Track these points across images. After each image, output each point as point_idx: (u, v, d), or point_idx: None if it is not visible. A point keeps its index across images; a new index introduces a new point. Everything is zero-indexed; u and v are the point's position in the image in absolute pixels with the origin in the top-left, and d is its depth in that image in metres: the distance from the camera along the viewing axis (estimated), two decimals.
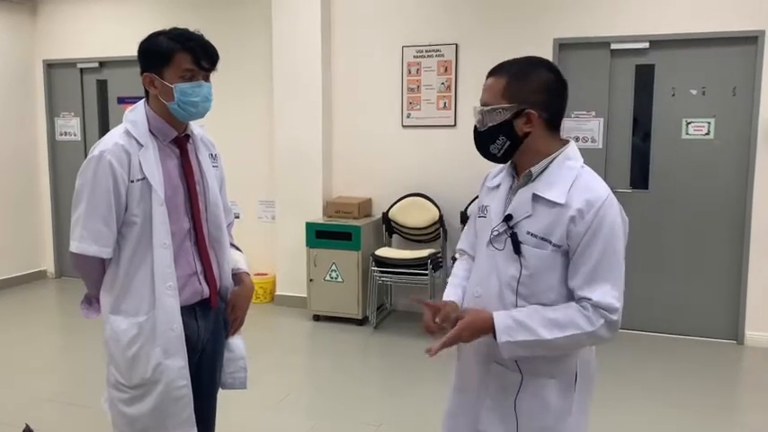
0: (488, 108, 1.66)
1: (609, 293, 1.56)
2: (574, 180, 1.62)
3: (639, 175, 4.97)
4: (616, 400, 3.78)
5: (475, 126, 1.72)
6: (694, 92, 4.76)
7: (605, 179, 5.45)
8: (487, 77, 1.70)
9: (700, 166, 4.79)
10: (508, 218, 1.66)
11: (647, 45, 4.79)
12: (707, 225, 4.81)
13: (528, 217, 1.63)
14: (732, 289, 4.78)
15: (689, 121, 4.79)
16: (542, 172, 1.66)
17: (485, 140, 1.69)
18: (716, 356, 4.54)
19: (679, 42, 4.74)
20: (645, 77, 4.88)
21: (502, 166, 1.82)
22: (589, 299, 1.56)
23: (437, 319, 1.73)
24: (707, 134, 4.76)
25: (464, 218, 5.11)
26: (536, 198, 1.63)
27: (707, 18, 4.61)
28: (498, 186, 1.78)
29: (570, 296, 1.62)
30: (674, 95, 4.81)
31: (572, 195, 1.59)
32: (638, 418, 3.58)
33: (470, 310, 1.70)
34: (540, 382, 1.67)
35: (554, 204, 1.60)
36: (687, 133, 4.81)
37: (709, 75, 4.71)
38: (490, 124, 1.66)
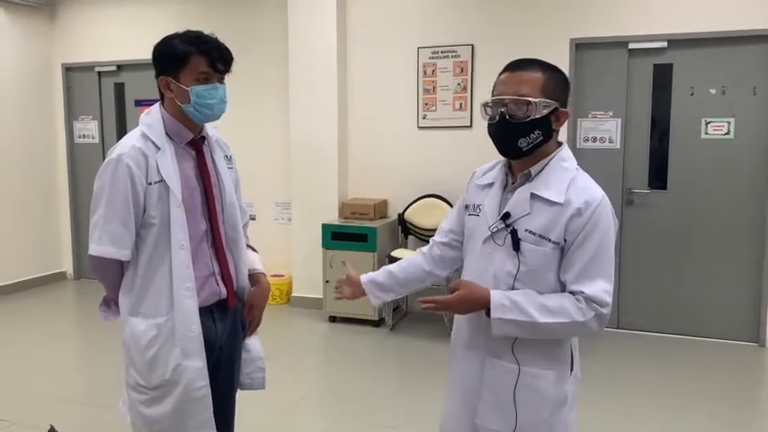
0: (535, 100, 1.64)
1: (601, 288, 1.62)
2: (570, 181, 1.68)
3: (658, 176, 4.93)
4: (637, 404, 3.75)
5: (504, 116, 1.67)
6: (713, 91, 4.71)
7: (623, 180, 5.39)
8: (515, 70, 1.68)
9: (719, 167, 4.73)
10: (506, 216, 1.70)
11: (665, 44, 4.75)
12: (727, 226, 4.75)
13: (526, 215, 1.68)
14: (753, 290, 4.72)
15: (708, 120, 4.74)
16: (539, 172, 1.71)
17: (516, 133, 1.66)
18: (737, 359, 4.47)
19: (698, 41, 4.68)
20: (663, 77, 4.83)
21: (492, 164, 1.87)
22: (582, 292, 1.62)
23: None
24: (726, 134, 4.70)
25: None
26: (534, 197, 1.68)
27: (726, 16, 4.55)
28: (491, 185, 1.81)
29: (562, 292, 1.68)
30: (692, 95, 4.76)
31: (570, 195, 1.65)
32: (659, 422, 3.54)
33: (467, 283, 1.72)
34: (537, 372, 1.71)
35: (552, 204, 1.65)
36: (706, 133, 4.75)
37: (728, 74, 4.65)
38: (532, 117, 1.64)
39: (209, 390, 2.04)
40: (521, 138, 1.66)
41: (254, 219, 5.85)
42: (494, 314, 1.65)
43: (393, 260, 5.01)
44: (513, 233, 1.68)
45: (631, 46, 4.83)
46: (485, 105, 1.74)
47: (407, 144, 5.46)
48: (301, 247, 5.65)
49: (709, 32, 4.61)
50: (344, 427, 3.55)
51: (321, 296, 5.36)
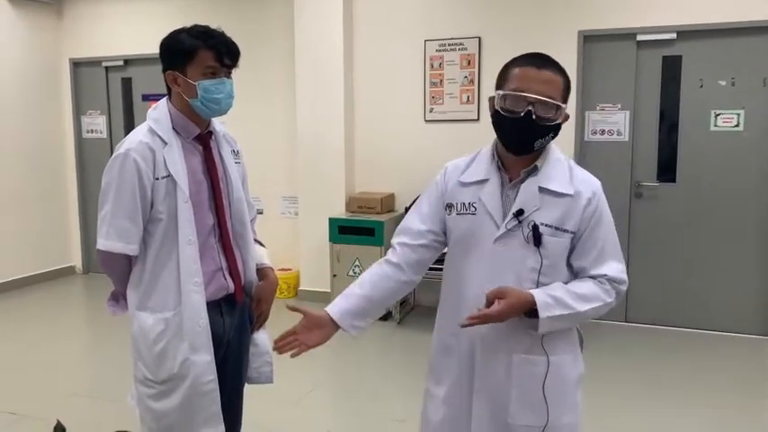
0: (564, 105, 1.68)
1: (618, 268, 1.72)
2: (569, 172, 1.73)
3: (667, 169, 4.90)
4: (646, 397, 3.74)
5: (530, 114, 1.63)
6: (723, 83, 4.67)
7: (632, 172, 5.37)
8: (540, 67, 1.65)
9: (729, 159, 4.70)
10: (520, 212, 1.69)
11: (674, 36, 4.71)
12: (736, 218, 4.72)
13: (537, 210, 1.69)
14: (762, 283, 4.69)
15: (717, 112, 4.70)
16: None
17: (537, 133, 1.66)
18: (746, 352, 4.45)
19: (707, 32, 4.64)
20: (672, 69, 4.80)
21: (468, 159, 1.85)
22: (605, 274, 1.70)
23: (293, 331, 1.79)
24: (736, 126, 4.66)
25: None
26: (542, 191, 1.70)
27: (735, 7, 4.51)
28: (483, 182, 1.76)
29: (572, 277, 1.74)
30: (702, 87, 4.72)
31: (578, 186, 1.71)
32: (668, 415, 3.53)
33: (508, 290, 1.64)
34: (561, 359, 1.75)
35: (562, 195, 1.69)
36: (716, 125, 4.72)
37: (738, 65, 4.61)
38: (556, 121, 1.67)
39: (217, 384, 2.05)
40: (539, 138, 1.67)
41: (261, 213, 5.85)
42: (543, 314, 1.64)
43: None
44: (535, 228, 1.67)
45: (640, 38, 4.79)
46: (503, 97, 1.67)
47: (414, 137, 5.45)
48: (308, 241, 5.65)
49: (719, 23, 4.57)
50: (352, 420, 3.56)
51: (329, 290, 5.37)
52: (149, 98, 6.43)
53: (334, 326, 1.83)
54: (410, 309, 5.47)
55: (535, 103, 1.63)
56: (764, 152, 4.61)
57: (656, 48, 4.81)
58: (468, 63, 5.22)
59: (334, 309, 1.83)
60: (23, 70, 6.38)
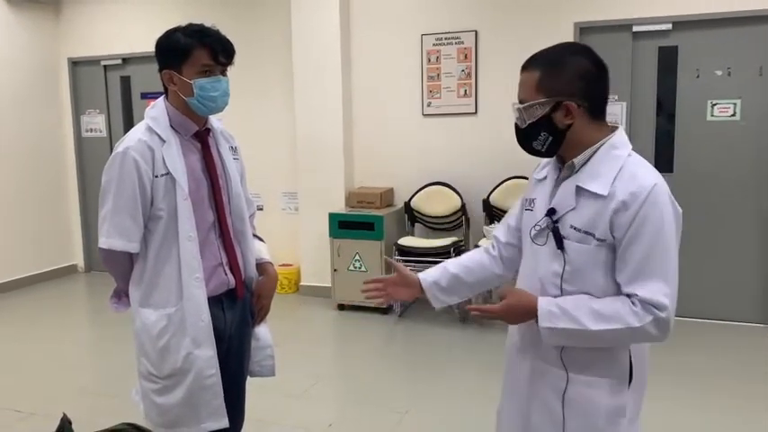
0: (525, 105, 1.58)
1: (658, 290, 1.48)
2: (619, 170, 1.53)
3: (664, 159, 4.90)
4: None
5: (516, 123, 1.64)
6: (719, 73, 4.68)
7: None
8: (521, 72, 1.62)
9: (726, 148, 4.71)
10: (551, 212, 1.60)
11: (669, 26, 4.72)
12: (734, 207, 4.74)
13: (572, 210, 1.56)
14: (761, 272, 4.72)
15: (714, 102, 4.72)
16: (586, 163, 1.58)
17: (527, 137, 1.61)
18: (746, 341, 4.48)
19: (703, 23, 4.65)
20: (668, 59, 4.81)
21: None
22: (636, 294, 1.48)
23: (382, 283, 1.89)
24: (733, 115, 4.68)
25: (486, 206, 5.10)
26: (579, 190, 1.56)
27: None
28: (545, 179, 1.70)
29: (619, 292, 1.53)
30: (698, 77, 4.73)
31: (616, 186, 1.51)
32: (668, 404, 3.55)
33: (514, 291, 1.62)
34: (589, 380, 1.59)
35: (597, 196, 1.52)
36: (712, 115, 4.73)
37: (734, 55, 4.62)
38: (530, 121, 1.58)
39: (220, 378, 2.07)
40: (533, 141, 1.60)
41: (261, 209, 5.88)
42: (541, 323, 1.54)
43: (401, 249, 5.05)
44: (555, 231, 1.57)
45: (636, 29, 4.80)
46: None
47: (413, 132, 5.47)
48: (309, 236, 5.68)
49: (714, 13, 4.58)
50: (354, 412, 3.59)
51: (329, 285, 5.40)
52: (148, 96, 6.45)
53: (420, 291, 1.88)
54: (411, 302, 5.50)
55: (513, 110, 1.63)
56: (761, 141, 4.63)
57: (652, 39, 4.82)
58: (465, 57, 5.23)
59: (426, 277, 1.88)
60: (22, 70, 6.40)
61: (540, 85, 1.55)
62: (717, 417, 3.41)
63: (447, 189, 5.27)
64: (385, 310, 5.22)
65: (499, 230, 1.89)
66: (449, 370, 4.12)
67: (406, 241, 5.15)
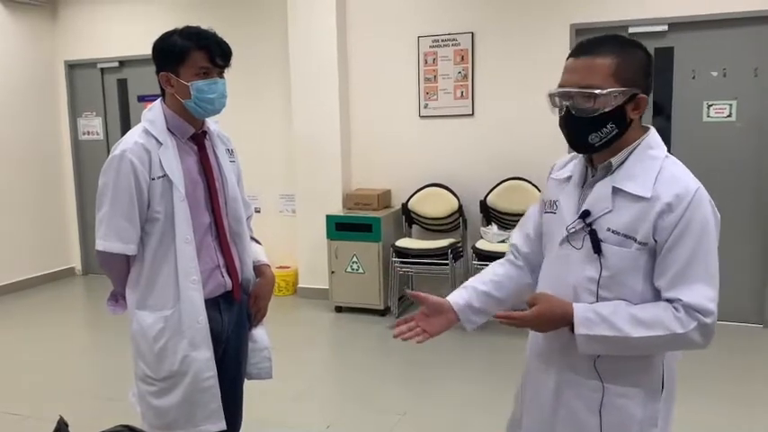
0: (605, 92, 1.43)
1: (702, 294, 1.41)
2: (659, 171, 1.47)
3: None
4: None
5: (569, 112, 1.49)
6: (715, 74, 4.70)
7: None
8: (581, 54, 1.49)
9: (722, 149, 4.72)
10: (585, 214, 1.51)
11: (665, 28, 4.73)
12: (730, 208, 4.73)
13: (608, 212, 1.48)
14: (757, 272, 4.73)
15: (710, 103, 4.73)
16: (622, 163, 1.51)
17: (585, 128, 1.47)
18: (741, 341, 4.49)
19: (698, 24, 4.67)
20: (664, 61, 4.82)
21: (571, 155, 1.67)
22: (680, 300, 1.42)
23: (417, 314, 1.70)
24: (729, 116, 4.69)
25: (483, 207, 5.11)
26: (616, 192, 1.48)
27: None
28: (569, 179, 1.62)
29: (656, 299, 1.47)
30: (694, 78, 4.75)
31: (658, 188, 1.44)
32: None
33: (546, 297, 1.52)
34: (623, 390, 1.52)
35: (638, 198, 1.45)
36: (708, 116, 4.74)
37: (729, 56, 4.64)
38: (603, 110, 1.44)
39: (217, 380, 2.08)
40: (591, 133, 1.47)
41: (258, 211, 5.84)
42: (578, 330, 1.45)
43: (398, 250, 5.05)
44: (593, 233, 1.49)
45: (631, 30, 4.81)
46: (551, 96, 1.53)
47: (410, 133, 5.47)
48: (306, 238, 5.68)
49: (710, 15, 4.59)
50: (352, 414, 3.59)
51: (327, 286, 5.40)
52: (145, 99, 6.45)
53: (456, 315, 1.73)
54: (409, 303, 5.50)
55: (574, 96, 1.47)
56: (757, 142, 4.64)
57: (647, 40, 4.81)
58: (462, 59, 5.24)
59: (458, 300, 1.73)
60: (18, 73, 6.39)
61: (617, 73, 1.45)
62: (712, 418, 3.42)
63: (444, 191, 5.27)
64: (383, 312, 5.22)
65: (517, 238, 1.79)
66: (447, 372, 4.12)
67: (404, 243, 5.15)
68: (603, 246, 1.48)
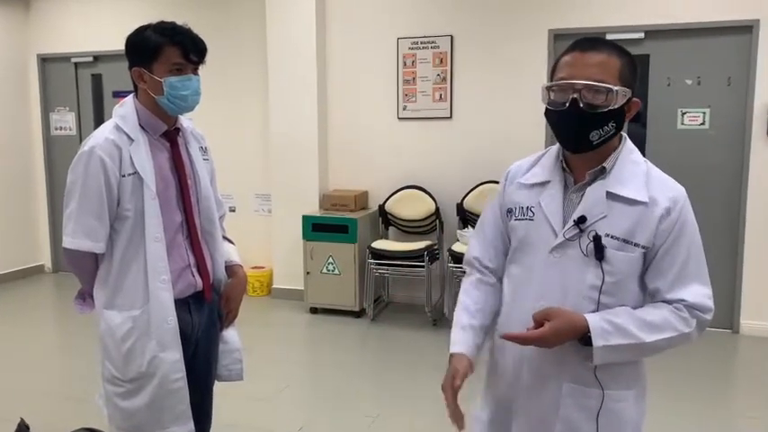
0: (616, 88, 1.43)
1: (701, 293, 1.49)
2: (646, 175, 1.50)
3: None
4: None
5: (576, 103, 1.45)
6: (689, 82, 4.76)
7: None
8: (589, 50, 1.47)
9: (695, 156, 4.79)
10: (582, 220, 1.48)
11: (642, 35, 4.79)
12: (702, 215, 4.73)
13: (603, 218, 1.47)
14: (727, 278, 4.80)
15: (684, 111, 4.79)
16: (611, 167, 1.51)
17: (589, 124, 1.45)
18: (711, 346, 4.54)
19: (674, 32, 4.73)
20: (640, 67, 4.85)
21: (532, 159, 1.65)
22: (683, 300, 1.46)
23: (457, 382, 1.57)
24: (702, 124, 4.76)
25: (460, 210, 5.11)
26: (610, 196, 1.48)
27: (701, 7, 4.60)
28: (544, 183, 1.58)
29: (646, 299, 1.51)
30: (669, 85, 4.81)
31: (653, 192, 1.47)
32: None
33: (558, 311, 1.46)
34: (620, 394, 1.53)
35: (634, 203, 1.46)
36: (682, 123, 4.80)
37: (704, 64, 4.70)
38: (613, 107, 1.44)
39: (186, 382, 2.04)
40: (594, 130, 1.45)
41: (233, 211, 5.83)
42: (597, 342, 1.43)
43: (374, 252, 5.03)
44: (597, 240, 1.46)
45: (609, 36, 4.84)
46: (548, 89, 1.50)
47: (388, 135, 5.46)
48: (282, 238, 5.64)
49: (686, 23, 4.66)
50: (325, 416, 3.56)
51: (302, 287, 5.36)
52: (120, 95, 6.35)
53: (470, 361, 1.63)
54: (384, 305, 5.48)
55: (582, 89, 1.44)
56: (729, 149, 4.71)
57: (624, 46, 4.86)
58: (441, 61, 5.24)
59: (468, 348, 1.63)
60: None
61: (622, 74, 1.47)
62: (683, 424, 3.45)
63: (421, 193, 5.27)
64: (358, 314, 5.20)
65: (478, 251, 1.72)
66: (421, 373, 4.11)
67: (380, 244, 5.14)
68: (607, 252, 1.46)
